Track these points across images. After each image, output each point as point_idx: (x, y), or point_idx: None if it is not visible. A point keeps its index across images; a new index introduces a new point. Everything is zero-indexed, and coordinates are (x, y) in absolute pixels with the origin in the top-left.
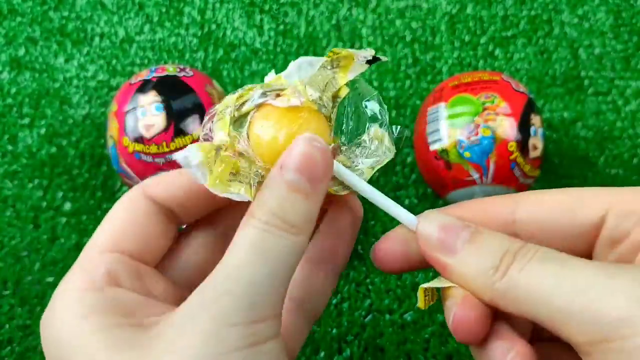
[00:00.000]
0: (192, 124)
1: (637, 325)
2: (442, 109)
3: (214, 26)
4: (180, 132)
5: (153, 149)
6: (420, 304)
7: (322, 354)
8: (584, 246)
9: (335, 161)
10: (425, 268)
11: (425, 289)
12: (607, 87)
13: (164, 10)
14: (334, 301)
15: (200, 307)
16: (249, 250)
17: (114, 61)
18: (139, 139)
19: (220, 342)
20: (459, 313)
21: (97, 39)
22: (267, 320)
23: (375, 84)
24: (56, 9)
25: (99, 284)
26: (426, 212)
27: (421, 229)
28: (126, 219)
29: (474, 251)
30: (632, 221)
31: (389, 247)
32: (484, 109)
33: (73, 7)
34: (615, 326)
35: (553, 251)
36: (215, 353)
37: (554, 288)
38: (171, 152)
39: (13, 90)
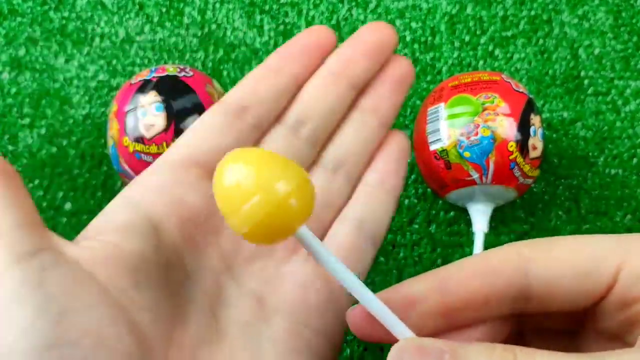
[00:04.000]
0: (192, 124)
1: None
2: (442, 109)
3: (214, 26)
4: (180, 132)
5: (153, 149)
6: None
7: None
8: (590, 304)
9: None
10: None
11: None
12: (606, 87)
13: (164, 10)
14: None
15: None
16: None
17: (114, 61)
18: (139, 139)
19: None
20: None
21: (97, 39)
22: None
23: None
24: (56, 9)
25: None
26: (395, 348)
27: None
28: None
29: None
30: None
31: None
32: (484, 109)
33: (73, 7)
34: None
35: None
36: None
37: None
38: None
39: (13, 90)
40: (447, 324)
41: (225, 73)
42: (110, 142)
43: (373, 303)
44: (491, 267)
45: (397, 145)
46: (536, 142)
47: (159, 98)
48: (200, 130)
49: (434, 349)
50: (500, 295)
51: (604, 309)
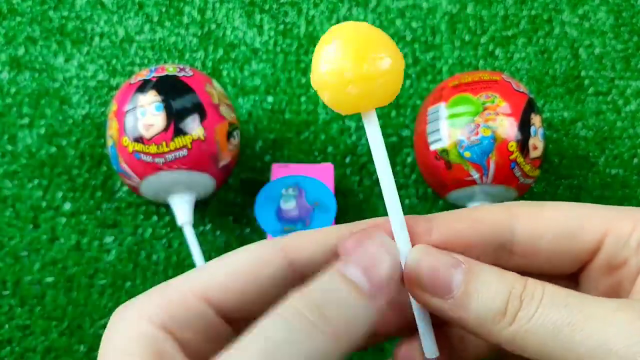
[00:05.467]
0: (191, 124)
1: None
2: (443, 109)
3: (213, 26)
4: (179, 132)
5: (152, 148)
6: None
7: None
8: (576, 268)
9: None
10: None
11: None
12: (607, 87)
13: (163, 9)
14: None
15: None
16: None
17: (113, 61)
18: (139, 139)
19: None
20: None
21: (96, 39)
22: None
23: None
24: (56, 9)
25: (164, 330)
26: (415, 248)
27: (409, 270)
28: (247, 269)
29: (473, 294)
30: (631, 249)
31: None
32: (484, 109)
33: (73, 6)
34: None
35: (559, 290)
36: None
37: (568, 335)
38: (170, 151)
39: (13, 90)
40: None
41: (225, 72)
42: (109, 142)
43: (396, 214)
44: (479, 216)
45: None
46: (537, 142)
47: (158, 98)
48: None
49: (453, 257)
50: (483, 242)
51: (589, 275)
